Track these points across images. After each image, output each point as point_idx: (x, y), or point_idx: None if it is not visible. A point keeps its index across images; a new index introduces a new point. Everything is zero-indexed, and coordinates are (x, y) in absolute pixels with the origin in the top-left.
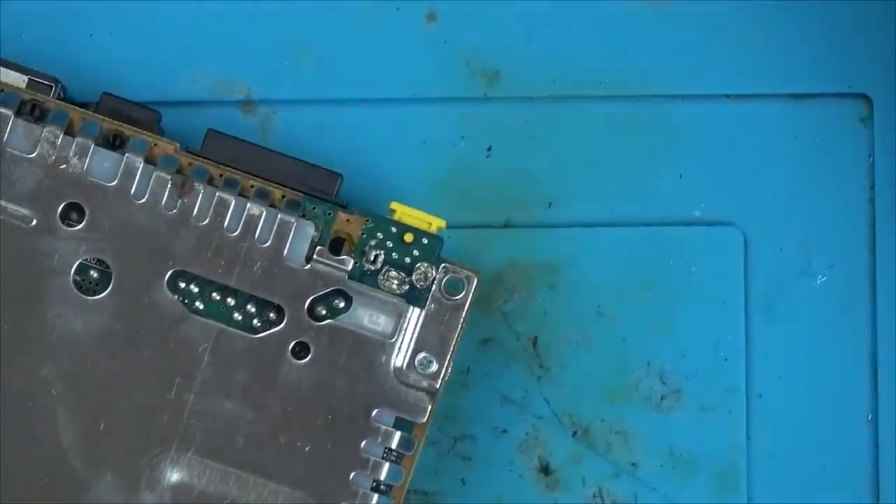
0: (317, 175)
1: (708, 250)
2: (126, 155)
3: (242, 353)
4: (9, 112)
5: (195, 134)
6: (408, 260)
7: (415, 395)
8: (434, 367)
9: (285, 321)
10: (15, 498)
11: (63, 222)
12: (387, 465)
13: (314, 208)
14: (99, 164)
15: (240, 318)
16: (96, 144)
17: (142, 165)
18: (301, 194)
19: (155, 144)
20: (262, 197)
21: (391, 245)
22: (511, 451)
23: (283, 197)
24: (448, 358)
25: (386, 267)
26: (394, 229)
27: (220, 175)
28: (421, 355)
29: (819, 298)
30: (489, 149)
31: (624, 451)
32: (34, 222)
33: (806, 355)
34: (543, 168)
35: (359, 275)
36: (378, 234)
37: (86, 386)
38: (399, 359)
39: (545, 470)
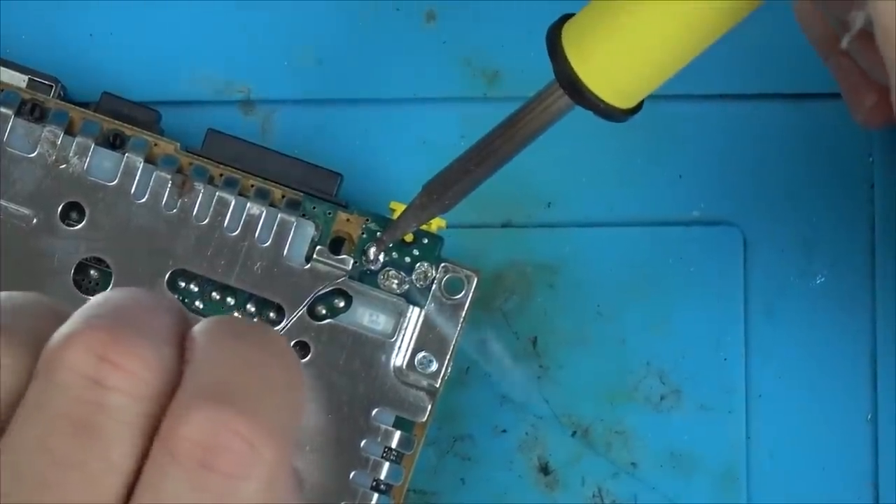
0: (317, 175)
1: (708, 250)
2: (126, 154)
3: None
4: (9, 112)
5: (195, 134)
6: (408, 259)
7: (415, 394)
8: (434, 366)
9: (285, 321)
10: None
11: (63, 222)
12: (386, 465)
13: (314, 208)
14: (99, 163)
15: (239, 317)
16: (96, 144)
17: (142, 165)
18: (301, 194)
19: (155, 144)
20: (263, 196)
21: (391, 244)
22: (511, 450)
23: (283, 197)
24: (448, 357)
25: (386, 266)
26: (391, 223)
27: (221, 175)
28: (421, 355)
29: (819, 298)
30: None
31: (624, 451)
32: (34, 222)
33: (806, 355)
34: (543, 168)
35: (359, 274)
36: (378, 233)
37: None
38: (399, 358)
39: (545, 470)
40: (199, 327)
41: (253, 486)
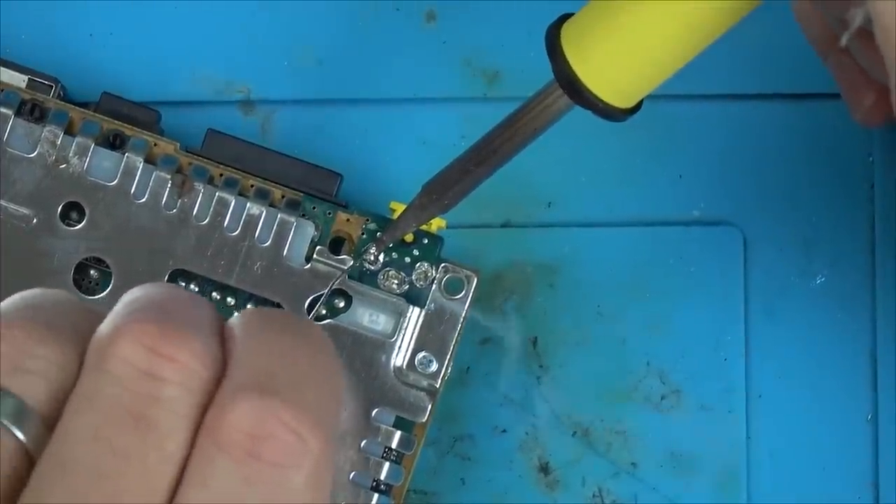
0: (317, 175)
1: (708, 250)
2: (126, 155)
3: None
4: (9, 112)
5: (195, 134)
6: (408, 259)
7: (415, 394)
8: (434, 366)
9: None
10: None
11: (63, 222)
12: (387, 465)
13: (314, 208)
14: (99, 163)
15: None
16: (96, 144)
17: (142, 165)
18: (301, 194)
19: (155, 144)
20: (262, 197)
21: (391, 245)
22: (511, 451)
23: (283, 197)
24: (448, 357)
25: (386, 266)
26: (391, 224)
27: (220, 175)
28: (421, 355)
29: (819, 298)
30: None
31: (624, 451)
32: (34, 222)
33: (806, 355)
34: (543, 168)
35: (359, 274)
36: (378, 234)
37: None
38: (399, 358)
39: (545, 470)
40: (236, 320)
41: (301, 476)
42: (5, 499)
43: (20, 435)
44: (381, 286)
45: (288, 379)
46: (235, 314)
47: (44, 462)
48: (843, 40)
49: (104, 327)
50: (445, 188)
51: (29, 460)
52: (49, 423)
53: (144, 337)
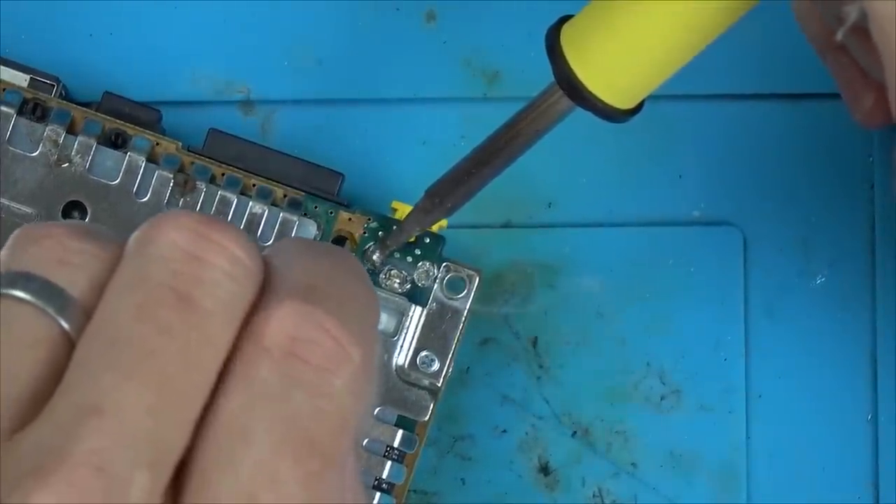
0: (318, 174)
1: (708, 250)
2: (128, 154)
3: None
4: (11, 111)
5: (195, 134)
6: (410, 259)
7: (417, 393)
8: (436, 365)
9: None
10: None
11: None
12: (388, 464)
13: (316, 207)
14: (101, 162)
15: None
16: (98, 143)
17: (144, 164)
18: (303, 193)
19: (157, 143)
20: (265, 196)
21: (395, 249)
22: (511, 450)
23: (285, 196)
24: (450, 357)
25: (388, 266)
26: (395, 228)
27: (223, 174)
28: (423, 354)
29: (819, 298)
30: None
31: (624, 451)
32: (37, 220)
33: (806, 355)
34: (544, 168)
35: None
36: (380, 233)
37: None
38: (401, 357)
39: (545, 470)
40: (274, 246)
41: (341, 381)
42: (49, 383)
43: (64, 323)
44: (383, 285)
45: (329, 294)
46: (276, 243)
47: (86, 339)
48: (839, 35)
49: (145, 223)
50: (449, 192)
51: (71, 348)
52: (90, 312)
53: (191, 223)
